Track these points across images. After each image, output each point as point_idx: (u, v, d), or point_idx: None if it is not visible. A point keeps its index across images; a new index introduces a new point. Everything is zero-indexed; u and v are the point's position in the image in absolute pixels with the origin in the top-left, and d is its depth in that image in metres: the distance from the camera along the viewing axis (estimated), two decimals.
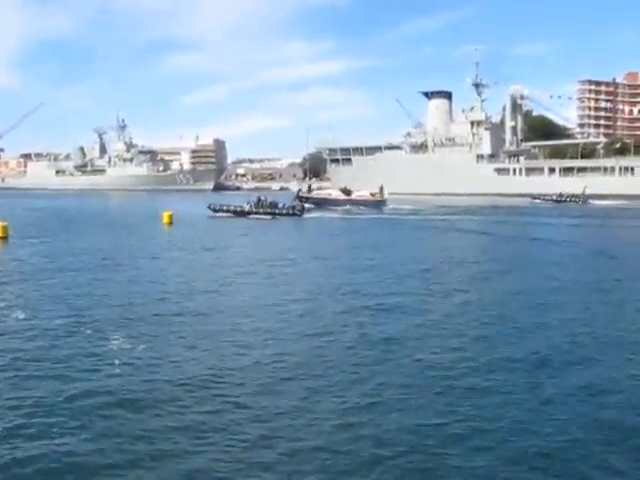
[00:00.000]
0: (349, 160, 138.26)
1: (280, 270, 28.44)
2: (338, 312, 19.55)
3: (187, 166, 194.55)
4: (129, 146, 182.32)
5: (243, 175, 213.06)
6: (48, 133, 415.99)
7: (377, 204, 79.35)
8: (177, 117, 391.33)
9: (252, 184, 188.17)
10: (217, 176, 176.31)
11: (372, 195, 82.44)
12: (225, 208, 63.93)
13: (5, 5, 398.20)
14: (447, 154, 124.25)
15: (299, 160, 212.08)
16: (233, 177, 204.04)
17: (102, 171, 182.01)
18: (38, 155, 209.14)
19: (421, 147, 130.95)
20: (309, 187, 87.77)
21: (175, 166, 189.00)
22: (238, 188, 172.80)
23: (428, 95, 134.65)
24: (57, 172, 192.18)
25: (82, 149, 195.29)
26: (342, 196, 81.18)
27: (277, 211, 62.34)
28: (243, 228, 51.83)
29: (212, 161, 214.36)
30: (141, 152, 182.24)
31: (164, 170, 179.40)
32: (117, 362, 14.14)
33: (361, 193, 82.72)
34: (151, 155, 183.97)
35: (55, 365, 13.92)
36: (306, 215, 63.10)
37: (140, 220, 59.35)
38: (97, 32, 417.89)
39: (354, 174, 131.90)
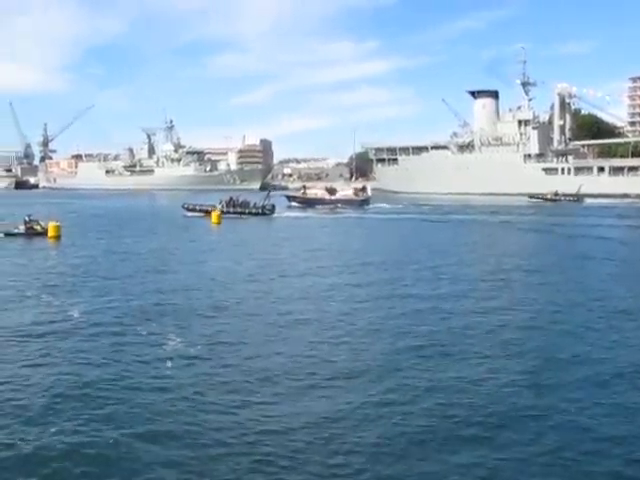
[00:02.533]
0: (395, 160, 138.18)
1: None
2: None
3: (234, 166, 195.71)
4: (177, 146, 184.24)
5: (290, 175, 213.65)
6: (98, 134, 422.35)
7: (360, 203, 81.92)
8: (223, 117, 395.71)
9: (298, 184, 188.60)
10: (264, 176, 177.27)
11: (356, 194, 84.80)
12: (197, 208, 65.34)
13: (58, 12, 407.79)
14: (494, 154, 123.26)
15: (345, 160, 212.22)
16: (280, 177, 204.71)
17: (150, 171, 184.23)
18: (88, 156, 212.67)
19: (467, 147, 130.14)
20: (304, 187, 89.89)
21: (222, 166, 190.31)
22: (285, 188, 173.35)
23: (474, 94, 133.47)
24: (107, 172, 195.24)
25: (131, 150, 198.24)
26: (327, 195, 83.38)
27: (247, 210, 63.78)
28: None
29: (259, 161, 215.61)
30: (189, 152, 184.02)
31: (211, 170, 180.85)
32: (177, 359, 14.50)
33: (345, 192, 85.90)
34: (198, 155, 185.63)
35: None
36: (276, 215, 64.14)
37: (189, 220, 60.19)
38: (144, 34, 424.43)
39: (400, 174, 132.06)
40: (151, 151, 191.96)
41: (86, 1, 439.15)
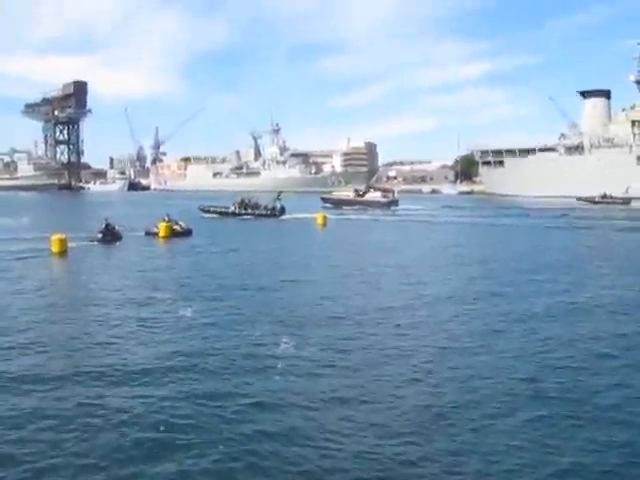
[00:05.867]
0: (501, 162, 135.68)
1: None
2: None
3: (339, 168, 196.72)
4: (282, 149, 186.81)
5: (394, 177, 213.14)
6: (207, 137, 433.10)
7: (388, 204, 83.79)
8: (328, 120, 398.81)
9: (403, 186, 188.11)
10: (368, 178, 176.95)
11: (384, 197, 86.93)
12: (212, 209, 66.56)
13: (172, 19, 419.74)
14: (605, 155, 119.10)
15: (450, 162, 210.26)
16: (384, 179, 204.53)
17: (257, 173, 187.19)
18: (197, 158, 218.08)
19: (576, 148, 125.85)
20: (355, 190, 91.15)
21: (327, 168, 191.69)
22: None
23: (584, 94, 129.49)
24: (214, 174, 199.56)
25: (238, 152, 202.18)
26: (356, 197, 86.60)
27: (257, 212, 64.66)
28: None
29: (363, 163, 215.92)
30: (294, 155, 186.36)
31: (316, 172, 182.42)
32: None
33: (373, 194, 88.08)
34: (304, 158, 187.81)
35: None
36: (285, 216, 64.37)
37: (296, 222, 60.95)
38: (254, 38, 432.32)
39: (506, 176, 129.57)
40: (257, 154, 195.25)
41: (199, 8, 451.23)
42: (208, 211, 66.20)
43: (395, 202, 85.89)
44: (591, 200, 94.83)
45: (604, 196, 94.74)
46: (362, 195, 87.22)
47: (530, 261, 32.30)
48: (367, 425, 10.78)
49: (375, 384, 12.91)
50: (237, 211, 64.66)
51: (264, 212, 64.85)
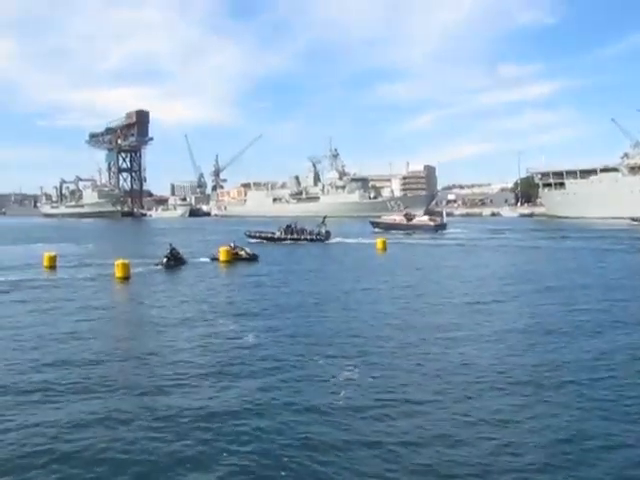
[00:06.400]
0: (562, 184, 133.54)
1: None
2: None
3: (398, 193, 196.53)
4: (341, 174, 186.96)
5: (454, 201, 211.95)
6: (266, 164, 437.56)
7: (436, 228, 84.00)
8: (386, 145, 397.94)
9: (463, 210, 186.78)
10: (428, 202, 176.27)
11: (432, 220, 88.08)
12: (258, 235, 66.21)
13: (232, 49, 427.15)
14: None
15: (510, 185, 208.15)
16: (444, 203, 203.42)
17: (316, 198, 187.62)
18: (256, 184, 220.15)
19: None
20: (406, 214, 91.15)
21: (386, 193, 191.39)
22: (449, 214, 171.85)
23: None
24: (274, 200, 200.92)
25: (297, 178, 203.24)
26: (404, 221, 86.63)
27: (303, 237, 64.69)
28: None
29: (422, 187, 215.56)
30: (353, 180, 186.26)
31: (375, 197, 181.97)
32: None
33: (422, 218, 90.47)
34: (362, 182, 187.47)
35: None
36: (330, 241, 64.19)
37: (358, 247, 60.50)
38: (307, 67, 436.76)
39: (567, 198, 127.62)
40: (316, 179, 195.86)
41: (258, 38, 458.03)
42: (254, 236, 66.18)
43: (443, 226, 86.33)
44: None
45: None
46: (411, 219, 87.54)
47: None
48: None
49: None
50: (283, 236, 64.77)
51: (309, 237, 64.94)
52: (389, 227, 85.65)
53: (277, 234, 65.40)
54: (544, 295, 27.59)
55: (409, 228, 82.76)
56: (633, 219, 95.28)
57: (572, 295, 27.27)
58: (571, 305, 24.63)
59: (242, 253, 44.97)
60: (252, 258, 44.67)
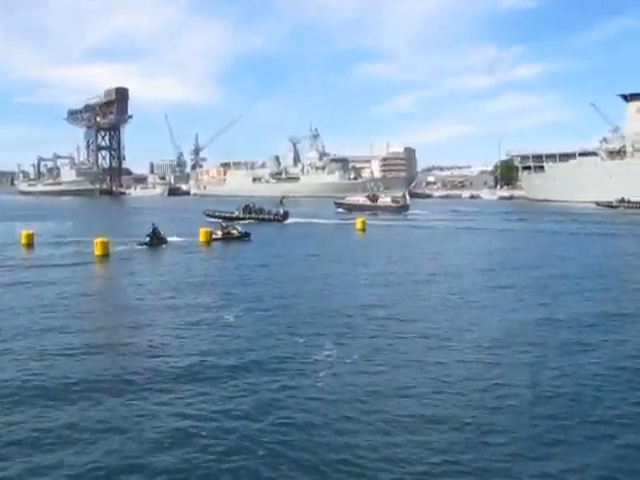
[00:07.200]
0: (541, 167, 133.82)
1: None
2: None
3: (377, 174, 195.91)
4: (321, 155, 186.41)
5: (433, 183, 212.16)
6: (246, 143, 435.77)
7: (399, 209, 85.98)
8: (367, 126, 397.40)
9: (442, 192, 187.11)
10: (407, 184, 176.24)
11: (395, 202, 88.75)
12: (217, 214, 65.86)
13: (214, 28, 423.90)
14: None
15: (490, 167, 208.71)
16: (423, 185, 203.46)
17: (296, 179, 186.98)
18: (236, 164, 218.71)
19: (618, 153, 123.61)
20: (368, 196, 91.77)
21: (366, 174, 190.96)
22: (429, 196, 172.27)
23: (627, 97, 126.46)
24: (254, 180, 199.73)
25: (277, 158, 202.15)
26: (368, 202, 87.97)
27: (261, 217, 65.27)
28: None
29: (402, 169, 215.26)
30: (333, 160, 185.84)
31: (355, 178, 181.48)
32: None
33: (384, 200, 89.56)
34: (342, 163, 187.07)
35: None
36: (288, 221, 64.73)
37: (337, 227, 60.79)
38: (290, 47, 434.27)
39: (546, 181, 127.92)
40: (296, 159, 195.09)
41: (241, 18, 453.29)
42: (213, 215, 66.00)
43: (406, 207, 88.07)
44: (609, 205, 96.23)
45: (621, 200, 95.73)
46: (375, 200, 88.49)
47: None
48: None
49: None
50: (241, 215, 64.85)
51: (268, 217, 65.56)
52: (353, 208, 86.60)
53: (235, 213, 65.40)
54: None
55: (372, 209, 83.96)
56: (597, 203, 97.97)
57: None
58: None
59: (234, 232, 46.00)
60: (245, 235, 45.69)
